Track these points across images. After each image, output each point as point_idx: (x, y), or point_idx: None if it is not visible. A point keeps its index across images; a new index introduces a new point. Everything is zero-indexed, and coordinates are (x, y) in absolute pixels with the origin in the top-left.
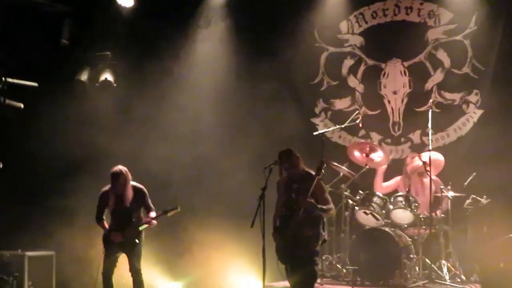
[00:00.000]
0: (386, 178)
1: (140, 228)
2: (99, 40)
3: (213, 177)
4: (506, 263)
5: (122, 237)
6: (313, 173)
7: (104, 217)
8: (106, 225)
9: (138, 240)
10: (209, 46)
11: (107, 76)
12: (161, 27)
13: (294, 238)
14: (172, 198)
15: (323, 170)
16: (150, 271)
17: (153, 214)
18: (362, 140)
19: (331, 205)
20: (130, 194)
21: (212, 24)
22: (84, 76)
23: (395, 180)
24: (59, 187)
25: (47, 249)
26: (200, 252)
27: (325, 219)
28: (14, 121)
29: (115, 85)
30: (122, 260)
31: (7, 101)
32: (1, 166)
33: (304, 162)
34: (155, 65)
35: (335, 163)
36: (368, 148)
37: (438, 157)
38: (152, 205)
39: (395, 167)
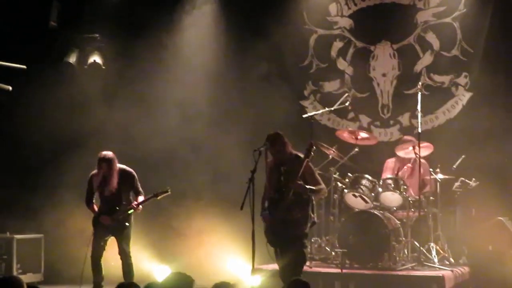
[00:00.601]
0: (375, 161)
1: (129, 212)
2: (87, 22)
3: (203, 159)
4: (495, 246)
5: (112, 221)
6: (302, 155)
7: (93, 201)
8: (96, 208)
9: (128, 223)
10: (198, 28)
11: (96, 58)
12: (150, 9)
13: (283, 220)
14: (161, 180)
15: (312, 152)
16: (139, 254)
17: (141, 198)
18: (350, 129)
19: (322, 185)
20: (115, 179)
21: (201, 6)
22: (72, 59)
23: (387, 166)
24: (48, 170)
25: (36, 232)
26: (189, 235)
27: (314, 202)
28: (2, 104)
29: (103, 67)
30: (111, 243)
31: None
32: None
33: (293, 144)
34: (143, 48)
35: (324, 145)
36: (358, 135)
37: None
38: (141, 189)
39: (384, 150)
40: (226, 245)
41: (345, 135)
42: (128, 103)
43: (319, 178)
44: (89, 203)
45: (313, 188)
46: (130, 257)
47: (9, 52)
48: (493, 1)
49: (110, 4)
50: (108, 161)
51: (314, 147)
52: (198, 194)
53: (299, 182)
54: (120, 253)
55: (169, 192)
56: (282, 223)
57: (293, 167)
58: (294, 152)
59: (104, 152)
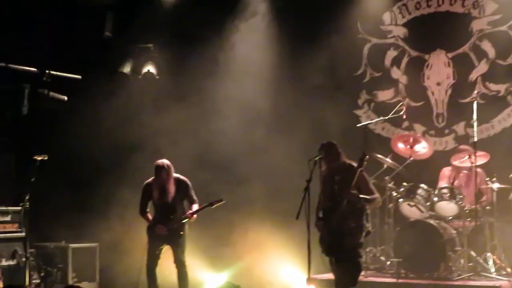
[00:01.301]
0: (430, 170)
1: (183, 221)
2: (141, 32)
3: (258, 168)
4: None
5: (167, 230)
6: (355, 165)
7: (148, 210)
8: (150, 218)
9: (183, 232)
10: (251, 38)
11: (150, 68)
12: (204, 18)
13: (338, 230)
14: (217, 189)
15: (365, 162)
16: (194, 263)
17: (195, 206)
18: (406, 132)
19: (376, 195)
20: (172, 187)
21: (256, 16)
22: (127, 69)
23: (442, 175)
24: (103, 179)
25: (91, 241)
26: (244, 243)
27: (368, 211)
28: (58, 114)
29: (157, 77)
30: (166, 252)
31: (51, 93)
32: (46, 158)
33: (347, 154)
34: (197, 58)
35: (379, 155)
36: (412, 140)
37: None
38: (195, 197)
39: (439, 159)
40: (281, 255)
41: (400, 149)
42: (182, 113)
43: (373, 187)
44: (143, 212)
45: (367, 197)
46: (185, 266)
47: (65, 62)
48: None
49: (163, 14)
50: (167, 169)
51: (367, 157)
52: (253, 203)
53: (353, 192)
54: (175, 262)
55: (224, 201)
56: (337, 233)
57: (346, 177)
58: (348, 161)
59: (162, 160)
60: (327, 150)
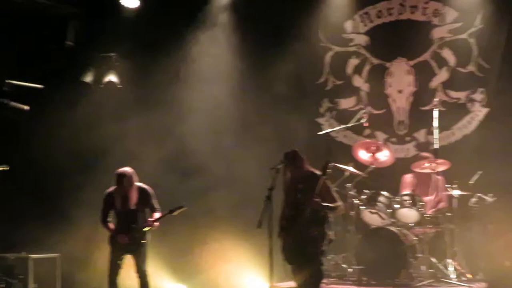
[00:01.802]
0: (391, 177)
1: (144, 230)
2: (104, 42)
3: (220, 177)
4: None
5: (129, 239)
6: (319, 173)
7: (109, 219)
8: (112, 227)
9: (144, 241)
10: (213, 47)
11: (112, 77)
12: (166, 27)
13: (300, 238)
14: (178, 198)
15: (328, 170)
16: (156, 273)
17: (157, 215)
18: (368, 140)
19: (339, 202)
20: (135, 195)
21: (218, 25)
22: (89, 78)
23: (404, 182)
24: (63, 189)
25: (52, 251)
26: (207, 252)
27: (331, 219)
28: (19, 123)
29: (119, 86)
30: (127, 261)
31: (12, 103)
32: (7, 169)
33: (309, 162)
34: (159, 67)
35: (340, 165)
36: (373, 148)
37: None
38: (157, 206)
39: (400, 166)
40: (243, 263)
41: (362, 156)
42: (145, 122)
43: (336, 195)
44: (104, 222)
45: (330, 205)
46: (147, 275)
47: (26, 72)
48: (510, 16)
49: (125, 23)
50: (129, 177)
51: (331, 165)
52: (216, 211)
53: (316, 200)
54: (137, 272)
55: (185, 208)
56: (300, 241)
57: (310, 185)
58: (311, 169)
59: (123, 169)
60: (291, 159)
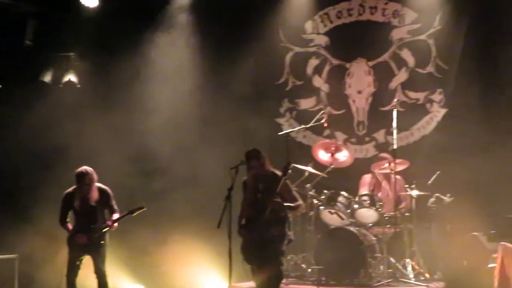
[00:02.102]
0: (350, 177)
1: (104, 230)
2: (63, 41)
3: (179, 177)
4: (469, 261)
5: (87, 239)
6: (280, 173)
7: (68, 219)
8: (70, 227)
9: (103, 241)
10: (174, 46)
11: (71, 77)
12: (126, 27)
13: (260, 238)
14: (137, 198)
15: (289, 170)
16: (115, 273)
17: (116, 215)
18: (328, 140)
19: (300, 201)
20: (95, 195)
21: (177, 26)
22: (47, 77)
23: (363, 182)
24: (22, 189)
25: (10, 252)
26: (165, 253)
27: (291, 219)
28: None
29: (79, 86)
30: (87, 262)
31: None
32: None
33: (269, 162)
34: (119, 66)
35: (300, 165)
36: (333, 148)
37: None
38: (116, 207)
39: (360, 167)
40: (203, 263)
41: (321, 157)
42: (104, 122)
43: (296, 195)
44: (63, 222)
45: (291, 205)
46: (106, 276)
47: None
48: (468, 18)
49: (85, 23)
50: (89, 177)
51: (292, 165)
52: (175, 212)
53: (277, 200)
54: (95, 272)
55: (145, 208)
56: (259, 241)
57: (270, 185)
58: (272, 169)
59: (84, 167)
60: (252, 157)
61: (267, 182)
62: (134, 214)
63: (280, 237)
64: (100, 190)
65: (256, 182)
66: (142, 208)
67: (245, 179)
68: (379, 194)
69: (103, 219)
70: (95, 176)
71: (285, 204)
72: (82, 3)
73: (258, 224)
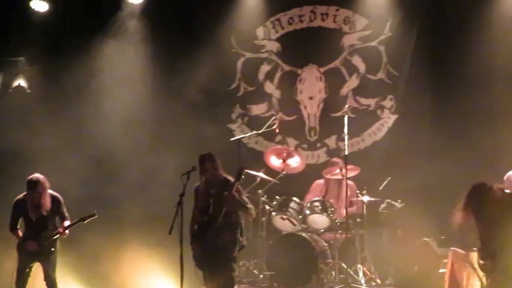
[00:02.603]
0: (302, 183)
1: (55, 237)
2: (12, 45)
3: (131, 184)
4: (420, 266)
5: (38, 246)
6: (232, 179)
7: (18, 226)
8: (21, 234)
9: (54, 248)
10: (126, 53)
11: (21, 81)
12: (76, 32)
13: (212, 244)
14: (88, 205)
15: (242, 176)
16: (65, 281)
17: (67, 222)
18: (279, 146)
19: (251, 205)
20: (47, 202)
21: (129, 32)
22: None
23: (314, 187)
24: None
25: None
26: (116, 259)
27: (243, 225)
28: None
29: (29, 90)
30: (36, 269)
31: None
32: None
33: (222, 168)
34: (70, 71)
35: (252, 171)
36: (285, 154)
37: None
38: (67, 214)
39: (311, 172)
40: (154, 270)
41: (273, 163)
42: (55, 128)
43: (247, 199)
44: (13, 229)
45: (246, 205)
46: (56, 284)
47: None
48: (418, 25)
49: (34, 27)
50: (41, 184)
51: (245, 171)
52: (127, 219)
53: (233, 194)
54: (45, 280)
55: (96, 216)
56: (211, 247)
57: (222, 190)
58: (224, 175)
59: (35, 175)
60: (206, 160)
61: (219, 187)
62: (85, 222)
63: (231, 243)
64: (52, 197)
65: (208, 188)
66: (93, 215)
67: (197, 185)
68: (331, 200)
69: (54, 226)
70: (47, 184)
71: (240, 199)
72: (32, 7)
73: (210, 230)
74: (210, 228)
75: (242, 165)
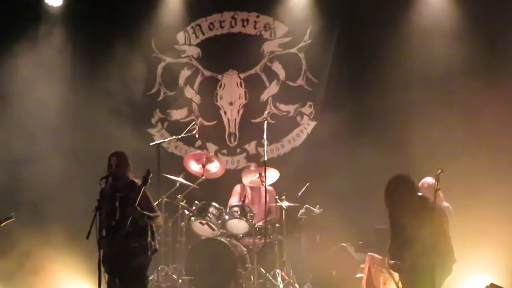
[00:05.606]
0: (221, 188)
1: None
2: None
3: (50, 189)
4: (338, 271)
5: None
6: (139, 182)
7: None
8: None
9: None
10: (45, 57)
11: None
12: None
13: (121, 250)
14: (5, 209)
15: (149, 180)
16: None
17: None
18: (199, 151)
19: (158, 213)
20: None
21: (47, 36)
22: None
23: (235, 192)
24: None
25: None
26: (32, 264)
27: (154, 229)
28: None
29: None
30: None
31: None
32: None
33: (140, 173)
34: None
35: (171, 176)
36: (204, 159)
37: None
38: None
39: (231, 178)
40: (71, 274)
41: (193, 168)
42: None
43: (155, 206)
44: None
45: (150, 215)
46: None
47: None
48: (337, 32)
49: None
50: None
51: (151, 175)
52: (45, 223)
53: (135, 208)
54: None
55: (13, 219)
56: (120, 253)
57: (128, 194)
58: (131, 178)
59: None
60: (113, 155)
61: (125, 190)
62: (2, 225)
63: (141, 248)
64: None
65: (114, 191)
66: (10, 218)
67: (102, 188)
68: (250, 205)
69: None
70: None
71: (144, 212)
72: None
73: (118, 236)
74: (118, 234)
75: (149, 168)
